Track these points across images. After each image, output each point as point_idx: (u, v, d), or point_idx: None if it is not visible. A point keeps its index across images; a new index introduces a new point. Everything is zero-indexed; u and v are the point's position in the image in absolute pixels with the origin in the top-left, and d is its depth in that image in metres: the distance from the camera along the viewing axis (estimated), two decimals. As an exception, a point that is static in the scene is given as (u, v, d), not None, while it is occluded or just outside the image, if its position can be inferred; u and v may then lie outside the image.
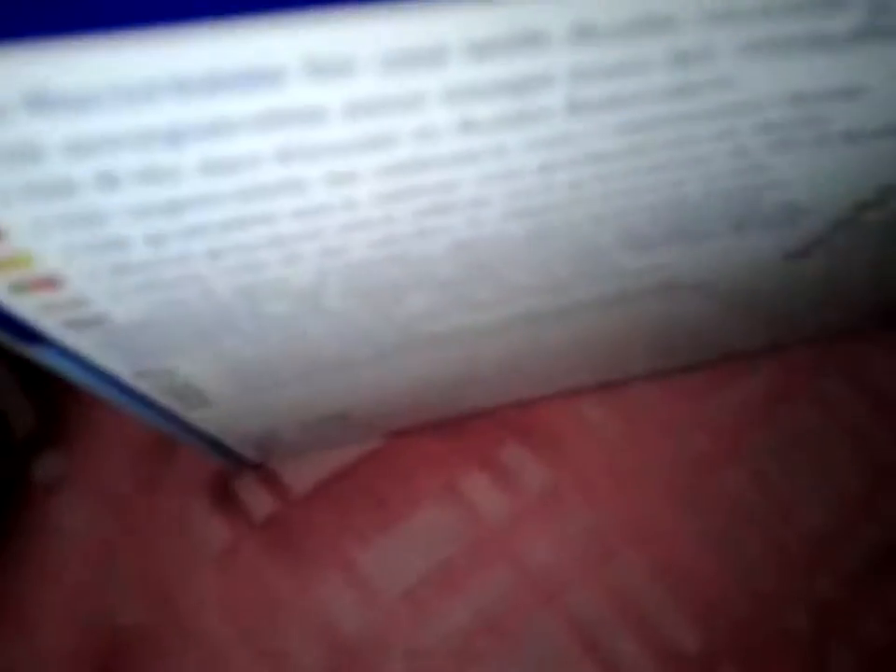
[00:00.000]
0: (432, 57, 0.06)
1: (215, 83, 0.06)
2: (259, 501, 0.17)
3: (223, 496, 0.17)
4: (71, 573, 0.16)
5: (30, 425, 0.17)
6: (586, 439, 0.17)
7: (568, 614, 0.16)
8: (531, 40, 0.06)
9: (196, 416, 0.13)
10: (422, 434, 0.17)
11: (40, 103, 0.06)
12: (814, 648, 0.15)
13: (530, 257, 0.10)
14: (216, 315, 0.09)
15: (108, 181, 0.07)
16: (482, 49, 0.06)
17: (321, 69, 0.06)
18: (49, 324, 0.08)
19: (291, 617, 0.16)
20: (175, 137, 0.06)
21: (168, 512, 0.16)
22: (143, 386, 0.11)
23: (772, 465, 0.17)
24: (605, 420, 0.17)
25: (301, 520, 0.17)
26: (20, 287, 0.07)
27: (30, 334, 0.09)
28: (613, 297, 0.12)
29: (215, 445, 0.15)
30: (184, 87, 0.06)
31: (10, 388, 0.17)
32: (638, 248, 0.11)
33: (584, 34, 0.07)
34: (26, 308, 0.08)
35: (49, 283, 0.07)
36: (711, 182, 0.09)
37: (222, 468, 0.17)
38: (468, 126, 0.07)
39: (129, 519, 0.16)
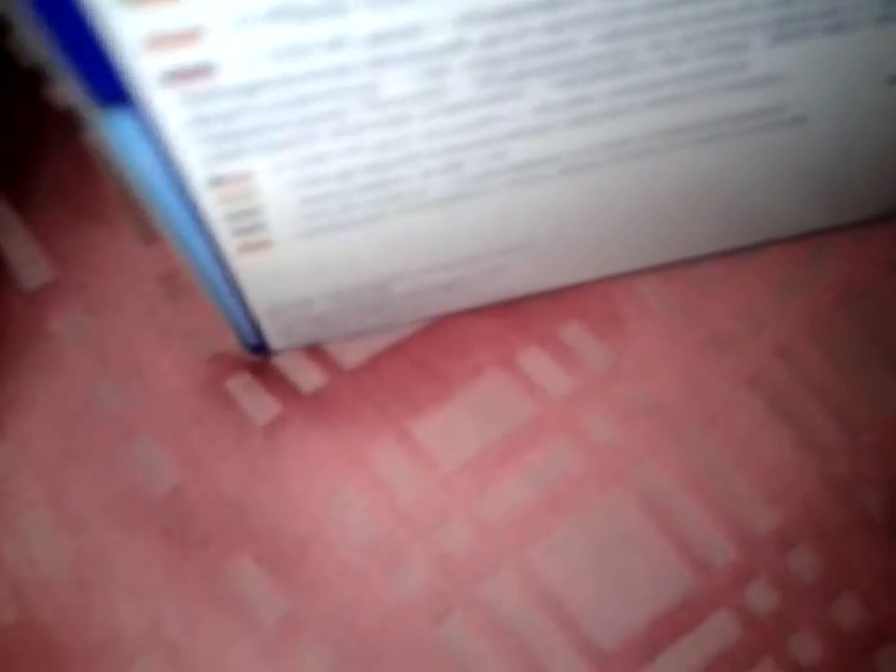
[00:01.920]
0: None
1: None
2: (306, 375, 0.16)
3: (263, 370, 0.16)
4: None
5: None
6: (649, 318, 0.16)
7: (637, 491, 0.15)
8: None
9: (247, 263, 0.12)
10: (475, 315, 0.16)
11: None
12: (889, 530, 0.15)
13: (678, 23, 0.09)
14: (338, 87, 0.08)
15: None
16: None
17: None
18: (149, 66, 0.07)
19: (345, 487, 0.15)
20: None
21: (201, 387, 0.15)
22: (209, 200, 0.10)
23: (848, 346, 0.16)
24: (668, 299, 0.16)
25: (353, 391, 0.15)
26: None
27: (115, 86, 0.07)
28: (713, 124, 0.11)
29: (246, 315, 0.14)
30: None
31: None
32: (781, 35, 0.10)
33: None
34: (132, 30, 0.07)
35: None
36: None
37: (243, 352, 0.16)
38: None
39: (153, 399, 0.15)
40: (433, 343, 0.16)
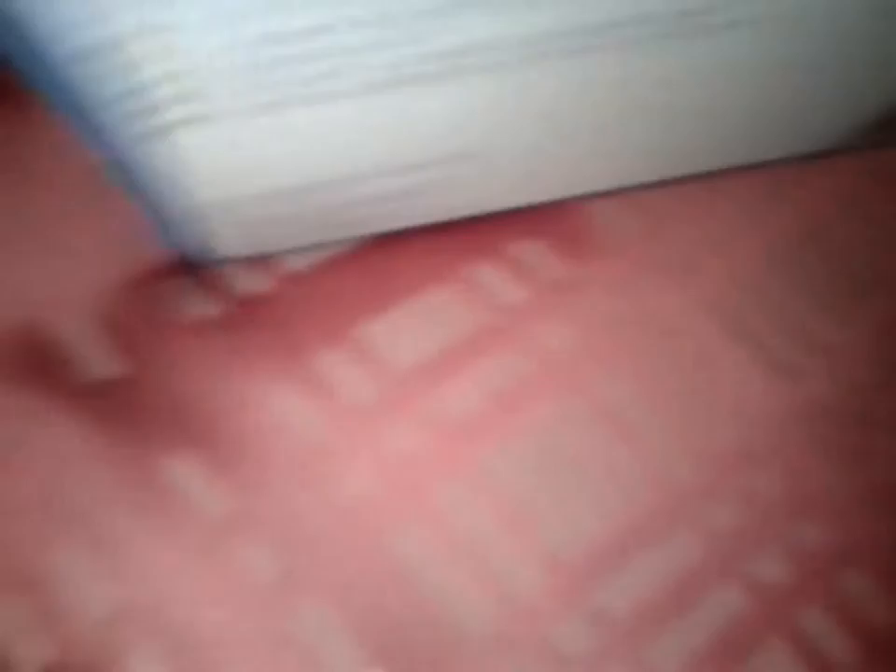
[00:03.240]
0: None
1: None
2: (246, 278, 0.15)
3: (199, 272, 0.15)
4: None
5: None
6: (606, 240, 0.16)
7: (594, 401, 0.15)
8: None
9: (185, 142, 0.11)
10: (426, 232, 0.16)
11: None
12: (854, 454, 0.15)
13: None
14: None
15: None
16: None
17: None
18: None
19: (289, 389, 0.15)
20: None
21: (135, 283, 0.15)
22: (135, 54, 0.09)
23: (808, 274, 0.16)
24: (625, 223, 0.16)
25: (298, 297, 0.15)
26: None
27: None
28: (644, 22, 0.11)
29: (187, 214, 0.13)
30: None
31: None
32: None
33: None
34: None
35: None
36: None
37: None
38: None
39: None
40: (382, 255, 0.16)
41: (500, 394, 0.15)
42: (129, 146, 0.11)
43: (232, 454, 0.14)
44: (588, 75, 0.12)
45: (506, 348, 0.15)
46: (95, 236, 0.15)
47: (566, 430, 0.15)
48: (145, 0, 0.08)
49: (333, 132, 0.12)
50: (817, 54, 0.13)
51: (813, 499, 0.14)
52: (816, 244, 0.16)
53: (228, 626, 0.13)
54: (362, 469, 0.14)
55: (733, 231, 0.16)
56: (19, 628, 0.13)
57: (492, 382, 0.15)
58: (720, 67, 0.13)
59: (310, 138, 0.12)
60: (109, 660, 0.13)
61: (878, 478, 0.14)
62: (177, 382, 0.15)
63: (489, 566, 0.14)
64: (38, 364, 0.15)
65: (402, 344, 0.15)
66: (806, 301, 0.16)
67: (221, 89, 0.10)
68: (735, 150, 0.16)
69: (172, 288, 0.15)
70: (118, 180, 0.12)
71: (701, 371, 0.15)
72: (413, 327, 0.15)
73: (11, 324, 0.15)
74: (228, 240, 0.14)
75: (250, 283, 0.15)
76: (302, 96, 0.11)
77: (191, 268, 0.15)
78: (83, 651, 0.13)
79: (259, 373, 0.15)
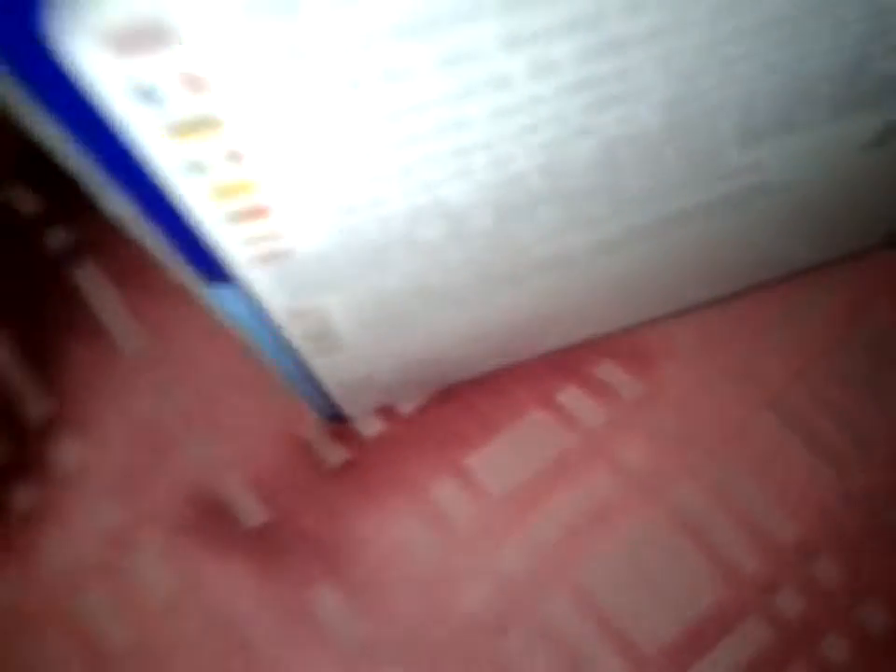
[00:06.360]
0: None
1: None
2: (368, 423, 0.18)
3: (330, 427, 0.18)
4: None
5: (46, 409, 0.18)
6: (674, 353, 0.18)
7: (671, 509, 0.17)
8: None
9: (320, 362, 0.14)
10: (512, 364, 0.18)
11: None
12: None
13: (657, 154, 0.11)
14: (384, 242, 0.10)
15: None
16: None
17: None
18: (243, 257, 0.09)
19: (409, 518, 0.17)
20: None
21: (280, 437, 0.18)
22: (291, 328, 0.12)
23: (859, 367, 0.18)
24: (689, 336, 0.18)
25: (411, 435, 0.18)
26: (236, 216, 0.08)
27: (219, 272, 0.10)
28: (703, 207, 0.13)
29: (322, 396, 0.16)
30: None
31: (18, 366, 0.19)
32: (748, 141, 0.12)
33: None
34: (234, 239, 0.09)
35: (261, 212, 0.08)
36: (831, 54, 0.10)
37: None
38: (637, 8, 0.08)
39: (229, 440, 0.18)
40: (479, 387, 0.18)
41: (588, 511, 0.17)
42: (281, 366, 0.14)
43: (364, 582, 0.17)
44: (679, 238, 0.14)
45: (591, 466, 0.17)
46: (247, 407, 0.18)
47: (646, 540, 0.17)
48: (316, 287, 0.11)
49: (446, 330, 0.14)
50: (853, 186, 0.15)
51: (870, 582, 0.16)
52: (862, 336, 0.18)
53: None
54: (476, 588, 0.17)
55: (785, 333, 0.18)
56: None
57: (580, 500, 0.17)
58: (767, 215, 0.15)
59: (426, 337, 0.14)
60: None
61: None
62: (316, 522, 0.17)
63: (584, 666, 0.16)
64: (205, 518, 0.18)
65: (500, 472, 0.17)
66: (855, 394, 0.18)
67: (354, 333, 0.13)
68: (788, 263, 0.18)
69: (309, 443, 0.18)
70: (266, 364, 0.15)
71: (766, 469, 0.17)
72: (508, 455, 0.18)
73: (182, 486, 0.18)
74: (356, 406, 0.17)
75: (370, 429, 0.18)
76: (422, 322, 0.13)
77: (324, 424, 0.18)
78: None
79: (383, 507, 0.17)
